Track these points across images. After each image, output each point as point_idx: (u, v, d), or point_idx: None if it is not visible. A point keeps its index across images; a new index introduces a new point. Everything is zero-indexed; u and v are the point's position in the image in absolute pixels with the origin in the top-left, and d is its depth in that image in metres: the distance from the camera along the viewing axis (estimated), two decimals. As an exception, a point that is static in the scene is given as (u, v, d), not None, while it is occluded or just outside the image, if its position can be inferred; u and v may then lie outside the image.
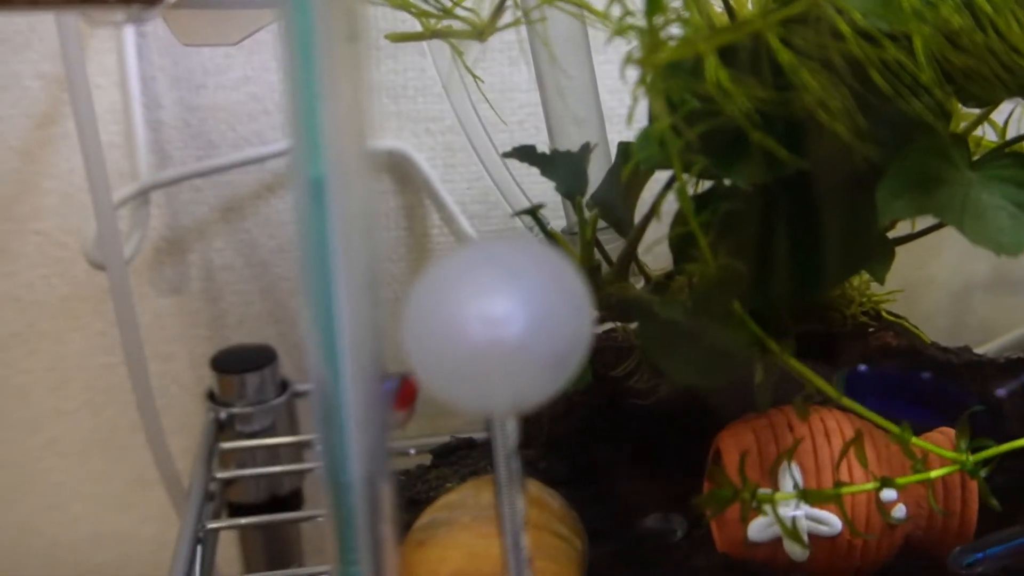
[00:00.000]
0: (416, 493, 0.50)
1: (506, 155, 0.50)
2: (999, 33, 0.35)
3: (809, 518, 0.41)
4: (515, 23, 0.47)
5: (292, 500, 0.65)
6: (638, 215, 0.45)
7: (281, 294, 0.68)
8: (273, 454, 0.62)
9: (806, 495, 0.40)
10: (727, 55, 0.35)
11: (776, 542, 0.41)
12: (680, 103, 0.36)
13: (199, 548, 0.50)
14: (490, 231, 0.67)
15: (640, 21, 0.35)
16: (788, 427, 0.43)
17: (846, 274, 0.43)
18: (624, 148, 0.45)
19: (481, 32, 0.46)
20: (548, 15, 0.48)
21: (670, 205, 0.40)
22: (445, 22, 0.47)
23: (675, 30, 0.36)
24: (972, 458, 0.41)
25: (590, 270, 0.47)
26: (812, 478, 0.41)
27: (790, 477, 0.41)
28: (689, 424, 0.47)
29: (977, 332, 0.72)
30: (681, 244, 0.41)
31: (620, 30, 0.35)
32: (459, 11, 0.46)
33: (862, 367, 0.50)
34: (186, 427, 0.68)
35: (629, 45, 0.36)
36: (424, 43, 0.60)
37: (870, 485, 0.41)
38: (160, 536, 0.71)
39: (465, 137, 0.60)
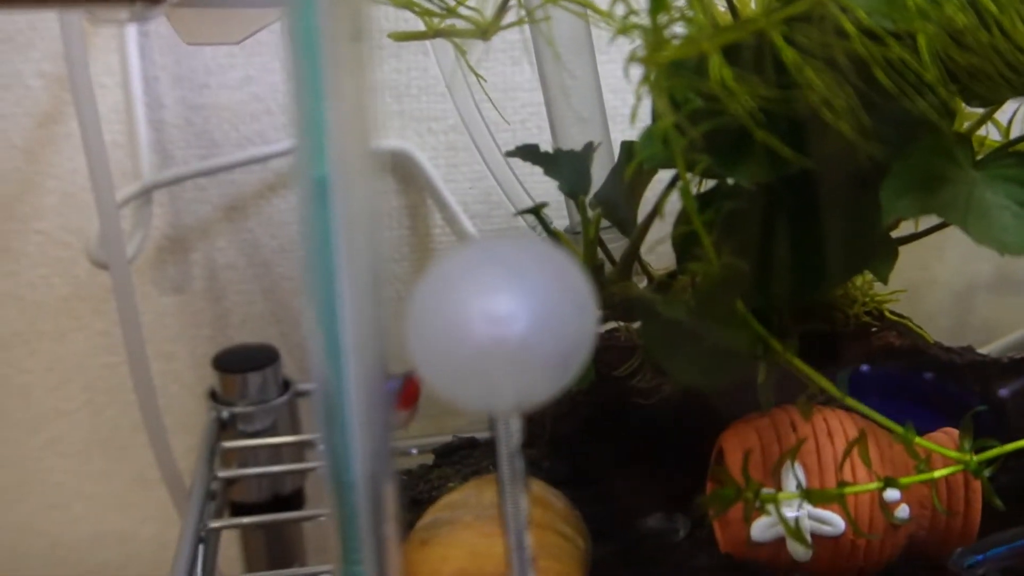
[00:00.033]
0: (418, 493, 0.50)
1: (509, 154, 0.50)
2: (1004, 32, 0.34)
3: (812, 518, 0.41)
4: (519, 22, 0.47)
5: (294, 499, 0.64)
6: (641, 214, 0.45)
7: (283, 294, 0.68)
8: (275, 453, 0.62)
9: (809, 495, 0.40)
10: (731, 54, 0.35)
11: (779, 542, 0.41)
12: (683, 102, 0.36)
13: (201, 547, 0.49)
14: (492, 230, 0.67)
15: (644, 20, 0.35)
16: (791, 427, 0.43)
17: (849, 273, 0.43)
18: (627, 147, 0.45)
19: (485, 31, 0.46)
20: (552, 14, 0.48)
21: (673, 204, 0.40)
22: (448, 21, 0.47)
23: (679, 29, 0.35)
24: (976, 458, 0.40)
25: (593, 269, 0.47)
26: (815, 478, 0.41)
27: (793, 477, 0.41)
28: (692, 424, 0.47)
29: (980, 332, 0.72)
30: (684, 243, 0.41)
31: (624, 29, 0.35)
32: (462, 10, 0.46)
33: (865, 367, 0.50)
34: (188, 426, 0.68)
35: (632, 44, 0.36)
36: (427, 42, 0.61)
37: (873, 485, 0.41)
38: (161, 536, 0.72)
39: (468, 136, 0.60)
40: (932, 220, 0.41)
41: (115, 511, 0.71)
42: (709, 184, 0.42)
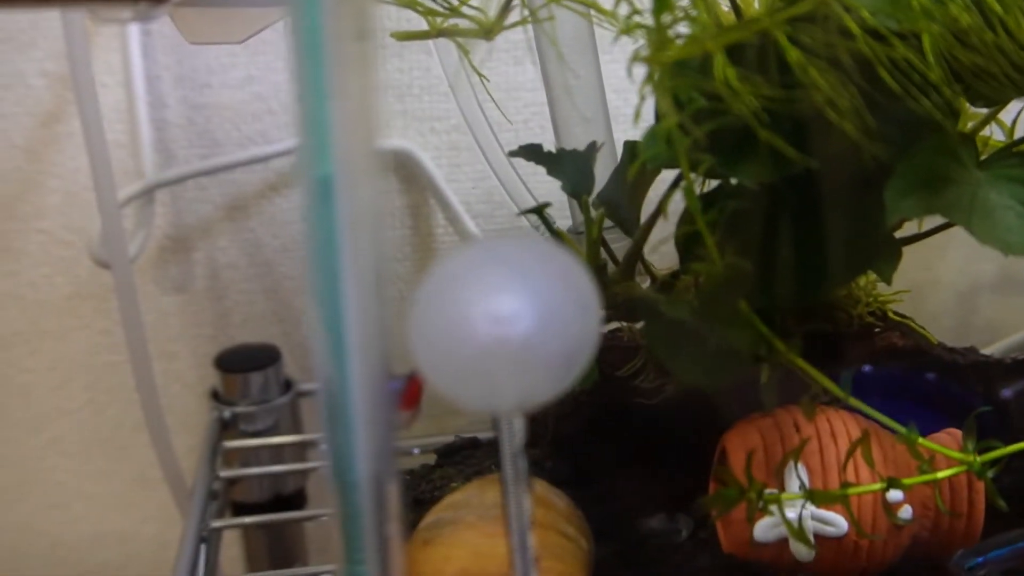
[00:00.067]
0: (421, 493, 0.50)
1: (512, 154, 0.50)
2: (1008, 32, 0.34)
3: (815, 518, 0.41)
4: (522, 22, 0.46)
5: (296, 499, 0.64)
6: (644, 214, 0.45)
7: (285, 293, 0.68)
8: (277, 453, 0.61)
9: (812, 495, 0.40)
10: (735, 53, 0.35)
11: (782, 542, 0.41)
12: (687, 101, 0.36)
13: (203, 547, 0.49)
14: (495, 230, 0.67)
15: (647, 20, 0.35)
16: (794, 427, 0.43)
17: (853, 274, 0.43)
18: (631, 147, 0.45)
19: (488, 31, 0.46)
20: (555, 14, 0.48)
21: (676, 204, 0.40)
22: (451, 21, 0.46)
23: (682, 28, 0.35)
24: (979, 459, 0.40)
25: (596, 269, 0.47)
26: (818, 478, 0.41)
27: (796, 477, 0.41)
28: (695, 424, 0.47)
29: (983, 333, 0.72)
30: (687, 243, 0.41)
31: (627, 29, 0.35)
32: (466, 10, 0.46)
33: (868, 367, 0.50)
34: (189, 426, 0.68)
35: (636, 44, 0.36)
36: (430, 42, 0.60)
37: (877, 486, 0.40)
38: (163, 535, 0.71)
39: (471, 136, 0.60)
40: (936, 220, 0.41)
41: (116, 511, 0.71)
42: (712, 184, 0.42)
